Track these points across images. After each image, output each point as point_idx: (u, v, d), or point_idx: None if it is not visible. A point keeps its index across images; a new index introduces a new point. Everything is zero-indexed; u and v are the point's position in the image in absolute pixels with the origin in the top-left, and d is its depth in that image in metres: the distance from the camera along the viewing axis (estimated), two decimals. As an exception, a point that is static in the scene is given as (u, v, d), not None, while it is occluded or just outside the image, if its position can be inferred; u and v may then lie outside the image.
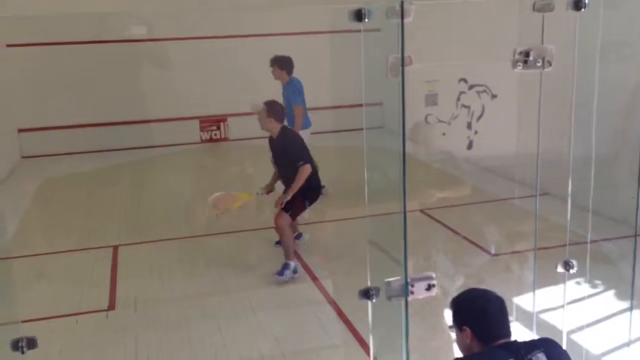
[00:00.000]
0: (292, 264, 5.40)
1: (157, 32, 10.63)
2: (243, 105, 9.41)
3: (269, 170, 5.96)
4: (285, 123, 5.74)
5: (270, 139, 5.70)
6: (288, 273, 5.36)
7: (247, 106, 7.02)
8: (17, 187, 9.01)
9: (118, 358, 4.33)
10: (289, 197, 5.31)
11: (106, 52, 10.56)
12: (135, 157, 10.45)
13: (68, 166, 10.07)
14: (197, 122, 11.37)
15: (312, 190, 5.51)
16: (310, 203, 5.54)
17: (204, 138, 11.49)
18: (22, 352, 2.42)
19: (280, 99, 6.65)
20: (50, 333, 4.50)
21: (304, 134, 6.90)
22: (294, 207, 5.39)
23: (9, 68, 10.08)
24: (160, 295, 5.30)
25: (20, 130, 10.64)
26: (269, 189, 5.83)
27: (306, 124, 7.20)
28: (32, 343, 2.45)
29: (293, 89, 7.07)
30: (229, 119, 11.41)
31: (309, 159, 5.45)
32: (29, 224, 7.38)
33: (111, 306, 5.08)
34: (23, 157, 10.62)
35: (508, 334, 2.46)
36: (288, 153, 5.46)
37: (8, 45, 9.91)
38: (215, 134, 11.51)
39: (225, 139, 11.46)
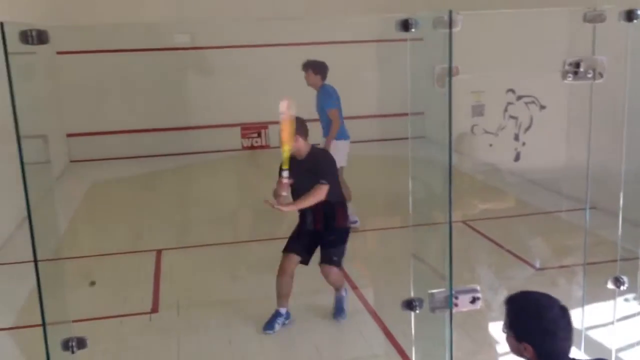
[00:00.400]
0: (344, 292, 4.98)
1: (201, 40, 10.83)
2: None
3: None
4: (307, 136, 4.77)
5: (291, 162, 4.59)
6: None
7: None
8: (65, 190, 9.25)
9: (160, 360, 4.41)
10: (294, 208, 4.61)
11: (151, 60, 10.80)
12: (179, 163, 10.63)
13: (114, 171, 10.30)
14: (238, 129, 11.50)
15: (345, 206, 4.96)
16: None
17: (245, 145, 11.61)
18: (72, 352, 2.48)
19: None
20: (94, 333, 4.58)
21: (343, 146, 6.60)
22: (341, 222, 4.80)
23: (59, 74, 10.42)
24: (202, 299, 5.36)
25: (69, 135, 10.96)
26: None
27: (344, 134, 6.71)
28: (81, 343, 2.50)
29: (326, 93, 6.69)
30: (270, 127, 11.49)
31: (334, 184, 4.67)
32: (77, 227, 7.57)
33: (154, 309, 5.16)
34: (71, 161, 10.92)
35: (569, 349, 2.38)
36: (318, 174, 4.60)
37: (58, 53, 10.23)
38: (257, 141, 11.62)
39: (267, 147, 11.54)
